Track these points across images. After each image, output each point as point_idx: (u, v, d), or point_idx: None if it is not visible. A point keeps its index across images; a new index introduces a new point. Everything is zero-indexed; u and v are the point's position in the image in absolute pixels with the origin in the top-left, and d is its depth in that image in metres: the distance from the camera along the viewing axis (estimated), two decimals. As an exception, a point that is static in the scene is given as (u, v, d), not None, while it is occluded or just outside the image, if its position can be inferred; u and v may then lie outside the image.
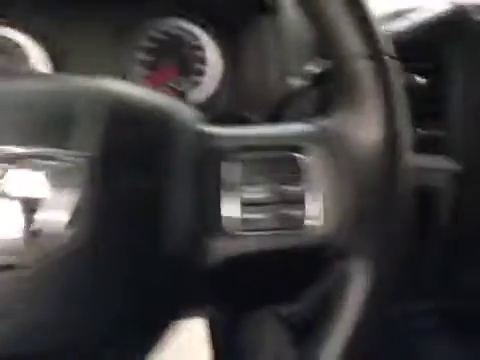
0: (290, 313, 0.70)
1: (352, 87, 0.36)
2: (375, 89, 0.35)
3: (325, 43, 0.37)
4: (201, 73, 0.71)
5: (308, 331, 0.38)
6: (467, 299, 0.64)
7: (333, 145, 0.36)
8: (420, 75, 0.59)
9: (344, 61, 0.36)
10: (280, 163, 0.37)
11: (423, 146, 0.60)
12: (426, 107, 0.59)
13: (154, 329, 0.35)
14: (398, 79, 0.36)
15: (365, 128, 0.36)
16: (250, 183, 0.36)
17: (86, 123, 0.32)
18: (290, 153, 0.37)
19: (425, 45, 0.58)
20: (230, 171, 0.36)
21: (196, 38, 0.71)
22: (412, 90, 0.61)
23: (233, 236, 0.35)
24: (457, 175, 0.57)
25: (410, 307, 0.69)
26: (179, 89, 0.70)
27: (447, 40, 0.57)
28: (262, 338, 0.77)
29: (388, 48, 0.36)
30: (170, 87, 0.70)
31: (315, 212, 0.36)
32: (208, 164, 0.36)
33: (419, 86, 0.59)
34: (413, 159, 0.57)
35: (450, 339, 0.74)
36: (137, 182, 0.32)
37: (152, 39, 0.70)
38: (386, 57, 0.36)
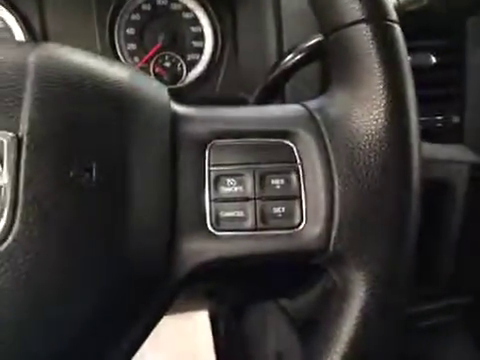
0: (293, 307, 0.66)
1: (350, 59, 0.31)
2: (377, 60, 0.29)
3: (319, 10, 0.32)
4: (193, 49, 0.66)
5: (311, 329, 0.33)
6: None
7: (328, 131, 0.31)
8: (433, 53, 0.53)
9: (340, 29, 0.31)
10: (266, 151, 0.32)
11: (436, 134, 0.54)
12: (440, 90, 0.53)
13: (121, 346, 0.30)
14: (404, 49, 0.30)
15: (366, 109, 0.30)
16: (230, 175, 0.31)
17: (17, 97, 0.27)
18: (278, 140, 0.32)
19: (440, 19, 0.51)
20: (208, 160, 0.31)
21: (188, 10, 0.65)
22: (425, 70, 0.56)
23: (211, 238, 0.30)
24: (475, 166, 0.51)
25: (424, 306, 0.65)
26: (168, 65, 0.64)
27: (466, 13, 0.50)
28: (264, 330, 0.74)
29: (391, 12, 0.30)
30: (159, 63, 0.64)
31: (305, 210, 0.31)
32: (185, 152, 0.31)
33: (432, 66, 0.53)
34: (424, 149, 0.51)
35: (464, 338, 0.70)
36: (92, 172, 0.27)
37: (140, 11, 0.64)
38: (389, 22, 0.30)
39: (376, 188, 0.30)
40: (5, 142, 0.26)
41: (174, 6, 0.65)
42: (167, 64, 0.65)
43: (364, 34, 0.30)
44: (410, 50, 0.54)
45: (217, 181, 0.31)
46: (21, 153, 0.26)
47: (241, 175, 0.31)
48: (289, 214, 0.31)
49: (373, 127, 0.30)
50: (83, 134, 0.27)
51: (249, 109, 0.34)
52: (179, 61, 0.66)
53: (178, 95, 0.65)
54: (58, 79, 0.28)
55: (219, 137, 0.31)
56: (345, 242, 0.30)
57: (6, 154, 0.26)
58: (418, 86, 0.56)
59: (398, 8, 0.44)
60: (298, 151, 0.31)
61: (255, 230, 0.31)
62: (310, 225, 0.31)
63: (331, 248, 0.30)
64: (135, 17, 0.65)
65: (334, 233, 0.30)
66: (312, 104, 0.33)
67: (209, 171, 0.31)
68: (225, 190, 0.31)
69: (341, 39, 0.31)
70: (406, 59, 0.31)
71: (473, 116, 0.53)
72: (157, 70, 0.65)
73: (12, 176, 0.25)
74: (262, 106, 0.35)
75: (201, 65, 0.66)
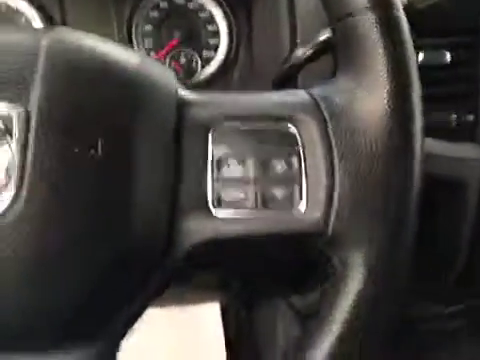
0: (302, 304, 0.66)
1: (354, 48, 0.31)
2: (380, 47, 0.30)
3: (326, 1, 0.32)
4: (209, 46, 0.67)
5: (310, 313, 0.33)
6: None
7: (331, 116, 0.31)
8: (448, 51, 0.52)
9: (345, 18, 0.31)
10: (268, 135, 0.32)
11: (452, 132, 0.54)
12: (455, 88, 0.53)
13: (119, 319, 0.31)
14: (408, 36, 0.31)
15: (369, 96, 0.30)
16: (233, 157, 0.31)
17: (28, 77, 0.28)
18: (281, 124, 0.32)
19: (455, 16, 0.51)
20: (211, 143, 0.32)
21: (204, 8, 0.66)
22: (439, 68, 0.55)
23: (211, 217, 0.31)
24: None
25: (437, 308, 0.64)
26: (184, 62, 0.66)
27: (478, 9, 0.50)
28: (274, 326, 0.74)
29: (395, 1, 0.31)
30: (175, 59, 0.66)
31: (305, 194, 0.31)
32: (189, 135, 0.31)
33: (447, 64, 0.52)
34: (437, 147, 0.51)
35: (474, 343, 0.68)
36: (97, 149, 0.28)
37: (157, 9, 0.66)
38: (394, 11, 0.30)
39: (376, 174, 0.30)
40: (15, 116, 0.27)
41: (191, 5, 0.67)
42: (183, 60, 0.66)
43: (368, 22, 0.30)
44: (425, 48, 0.54)
45: (220, 163, 0.31)
46: (30, 127, 0.27)
47: (243, 158, 0.32)
48: (289, 197, 0.31)
49: (375, 113, 0.30)
50: (90, 114, 0.28)
51: (253, 95, 0.35)
52: (195, 57, 0.67)
53: (199, 87, 0.67)
54: (68, 61, 0.29)
55: (223, 120, 0.32)
56: (344, 225, 0.30)
57: (15, 127, 0.27)
58: (432, 84, 0.55)
59: (408, 6, 0.44)
60: (301, 136, 0.32)
61: (255, 211, 0.31)
62: (310, 208, 0.31)
63: (330, 231, 0.30)
64: (153, 14, 0.66)
65: (333, 216, 0.30)
66: (316, 90, 0.34)
67: (212, 153, 0.31)
68: (227, 172, 0.31)
69: (346, 28, 0.32)
70: (410, 47, 0.31)
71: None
72: (173, 66, 0.66)
73: (20, 149, 0.26)
74: (267, 92, 0.35)
75: (216, 62, 0.67)
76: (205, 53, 0.67)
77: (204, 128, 0.32)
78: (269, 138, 0.32)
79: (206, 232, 0.30)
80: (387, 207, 0.30)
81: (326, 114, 0.32)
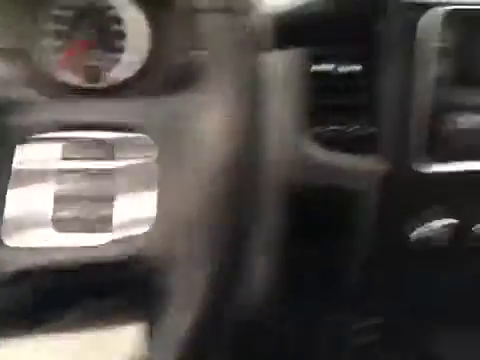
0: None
1: (208, 57, 0.30)
2: (224, 53, 0.29)
3: None
4: (121, 49, 0.65)
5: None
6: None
7: (169, 127, 0.30)
8: (346, 61, 0.52)
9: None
10: (90, 147, 0.30)
11: (351, 143, 0.53)
12: (355, 99, 0.52)
13: None
14: (263, 40, 0.30)
15: (208, 107, 0.29)
16: (47, 173, 0.28)
17: None
18: (114, 133, 0.30)
19: (352, 25, 0.51)
20: (21, 156, 0.29)
21: (117, 9, 0.64)
22: (338, 78, 0.55)
23: (5, 248, 0.28)
24: (384, 177, 0.50)
25: (353, 323, 0.64)
26: (94, 64, 0.63)
27: (373, 17, 0.50)
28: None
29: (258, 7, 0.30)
30: (86, 61, 0.63)
31: (133, 212, 0.29)
32: (3, 147, 0.29)
33: (347, 74, 0.52)
34: (336, 158, 0.50)
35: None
36: None
37: (69, 8, 0.63)
38: (251, 17, 0.29)
39: (203, 193, 0.29)
40: None
41: (103, 4, 0.65)
42: (94, 62, 0.64)
43: (217, 28, 0.29)
44: (323, 58, 0.54)
45: (30, 180, 0.28)
46: None
47: (60, 173, 0.29)
48: (108, 219, 0.29)
49: (211, 128, 0.29)
50: None
51: (90, 102, 0.32)
52: (107, 59, 0.64)
53: (108, 93, 0.64)
54: None
55: (40, 130, 0.29)
56: (168, 249, 0.28)
57: None
58: (332, 94, 0.55)
59: (288, 14, 0.43)
60: (135, 147, 0.30)
61: (63, 236, 0.28)
62: (130, 232, 0.28)
63: (154, 255, 0.28)
64: (63, 13, 0.64)
65: (155, 241, 0.28)
66: (165, 99, 0.32)
67: (19, 169, 0.28)
68: (37, 191, 0.28)
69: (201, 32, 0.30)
70: (263, 62, 0.30)
71: (388, 126, 0.52)
72: (84, 67, 0.63)
73: None
74: (109, 100, 0.33)
75: (128, 65, 0.65)
76: (116, 55, 0.65)
77: (15, 139, 0.29)
78: (92, 150, 0.30)
79: (8, 266, 0.27)
80: (212, 228, 0.29)
81: (166, 124, 0.30)
